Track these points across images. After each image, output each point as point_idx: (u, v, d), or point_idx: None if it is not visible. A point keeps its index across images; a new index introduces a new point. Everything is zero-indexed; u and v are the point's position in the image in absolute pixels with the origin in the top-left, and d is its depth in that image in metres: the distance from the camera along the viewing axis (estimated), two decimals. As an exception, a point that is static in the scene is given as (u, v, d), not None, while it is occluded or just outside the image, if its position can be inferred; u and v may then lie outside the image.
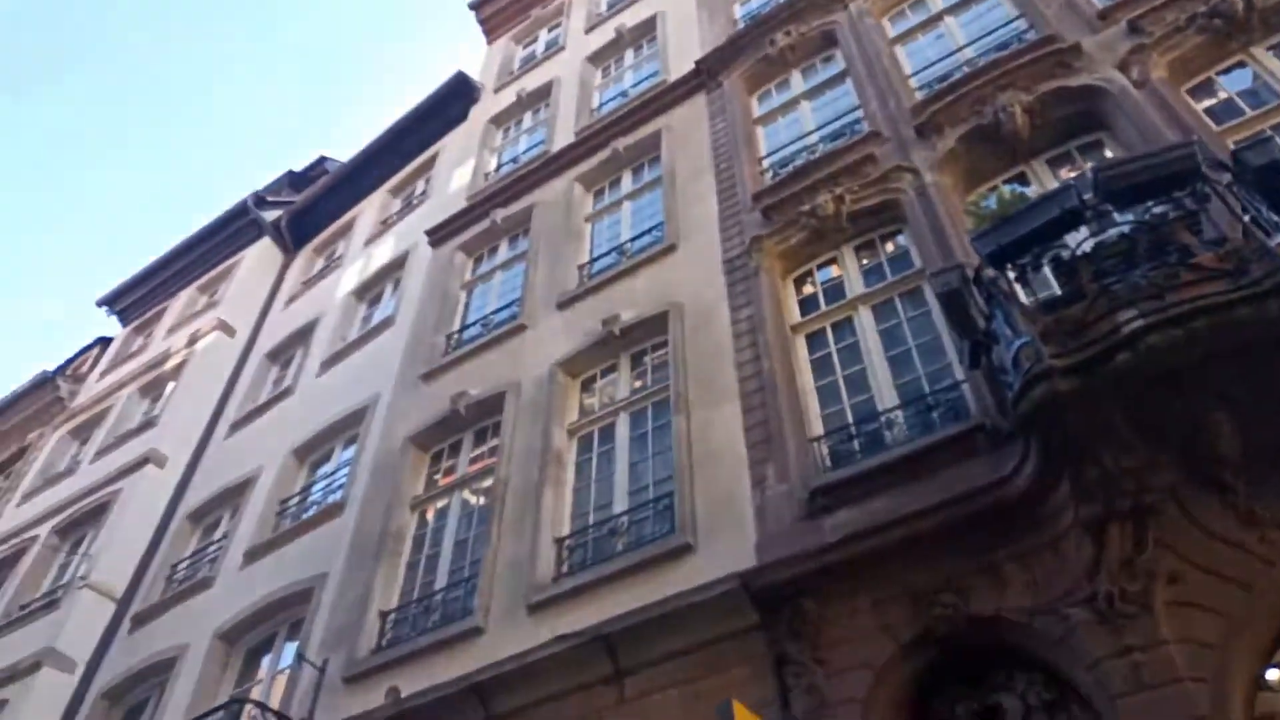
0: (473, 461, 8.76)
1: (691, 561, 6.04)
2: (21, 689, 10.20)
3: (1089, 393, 4.37)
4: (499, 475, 7.93)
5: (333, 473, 10.83)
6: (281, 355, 14.10)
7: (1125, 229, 4.84)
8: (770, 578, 5.30)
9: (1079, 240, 4.81)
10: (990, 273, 4.86)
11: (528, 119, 13.86)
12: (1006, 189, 6.66)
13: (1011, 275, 4.75)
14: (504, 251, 11.36)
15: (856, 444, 6.02)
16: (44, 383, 16.86)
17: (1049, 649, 4.62)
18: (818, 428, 6.30)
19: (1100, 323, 4.40)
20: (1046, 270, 4.92)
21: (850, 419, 6.24)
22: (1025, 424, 4.61)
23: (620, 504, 7.09)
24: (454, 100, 15.17)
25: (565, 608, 6.41)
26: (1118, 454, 4.48)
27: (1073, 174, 6.53)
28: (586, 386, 8.50)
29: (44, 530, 12.88)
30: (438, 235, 12.07)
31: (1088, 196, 4.83)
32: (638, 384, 8.07)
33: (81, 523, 12.72)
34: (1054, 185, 6.19)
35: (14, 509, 14.19)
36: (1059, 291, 4.82)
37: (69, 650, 10.51)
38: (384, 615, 7.74)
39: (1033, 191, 6.50)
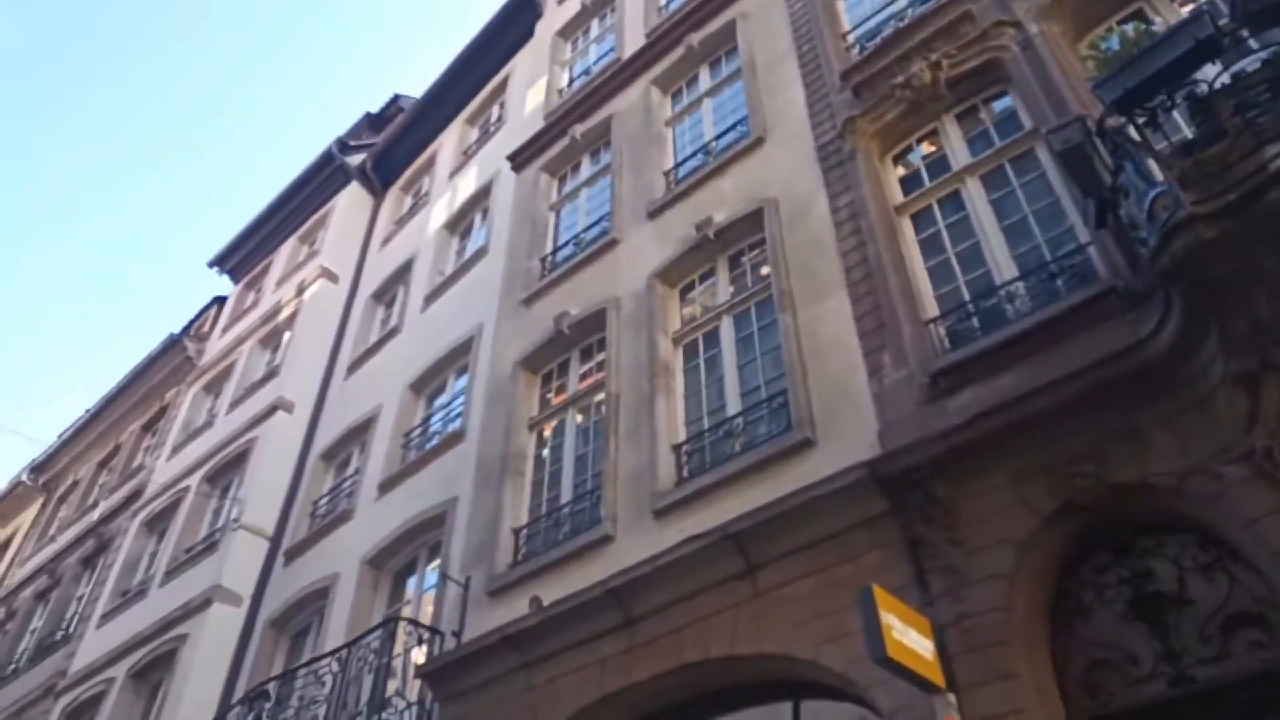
0: (582, 379, 8.90)
1: (813, 456, 6.02)
2: (198, 623, 11.16)
3: (1236, 238, 4.05)
4: (609, 390, 8.04)
5: (449, 403, 11.22)
6: (384, 295, 14.54)
7: (1266, 55, 4.39)
8: (897, 464, 5.23)
9: (1214, 75, 4.39)
10: (1116, 121, 4.50)
11: (595, 27, 13.49)
12: (1127, 27, 6.10)
13: (1140, 121, 4.38)
14: (587, 167, 11.25)
15: (975, 321, 5.80)
16: (172, 345, 17.89)
17: (1201, 510, 4.43)
18: (932, 309, 6.09)
19: (1245, 161, 4.05)
20: (1176, 114, 4.53)
21: (966, 296, 6.00)
22: (1165, 279, 4.33)
23: (733, 406, 7.09)
24: (518, 18, 14.89)
25: (690, 510, 6.52)
26: (1270, 301, 4.17)
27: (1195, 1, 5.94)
28: (685, 294, 8.44)
29: (195, 480, 13.87)
30: (519, 159, 12.02)
31: (1223, 22, 4.38)
32: (737, 286, 7.96)
33: (226, 470, 13.63)
34: (1178, 18, 5.64)
35: (165, 463, 15.31)
36: (1194, 134, 4.43)
37: (233, 586, 11.40)
38: (516, 532, 8.06)
39: (1157, 26, 5.93)
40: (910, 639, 4.37)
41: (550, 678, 6.64)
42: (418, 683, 7.87)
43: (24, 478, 19.95)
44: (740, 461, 6.45)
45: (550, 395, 9.18)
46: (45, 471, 19.94)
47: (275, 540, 11.93)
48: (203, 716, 10.02)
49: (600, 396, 8.25)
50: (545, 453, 8.65)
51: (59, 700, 12.82)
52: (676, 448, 7.17)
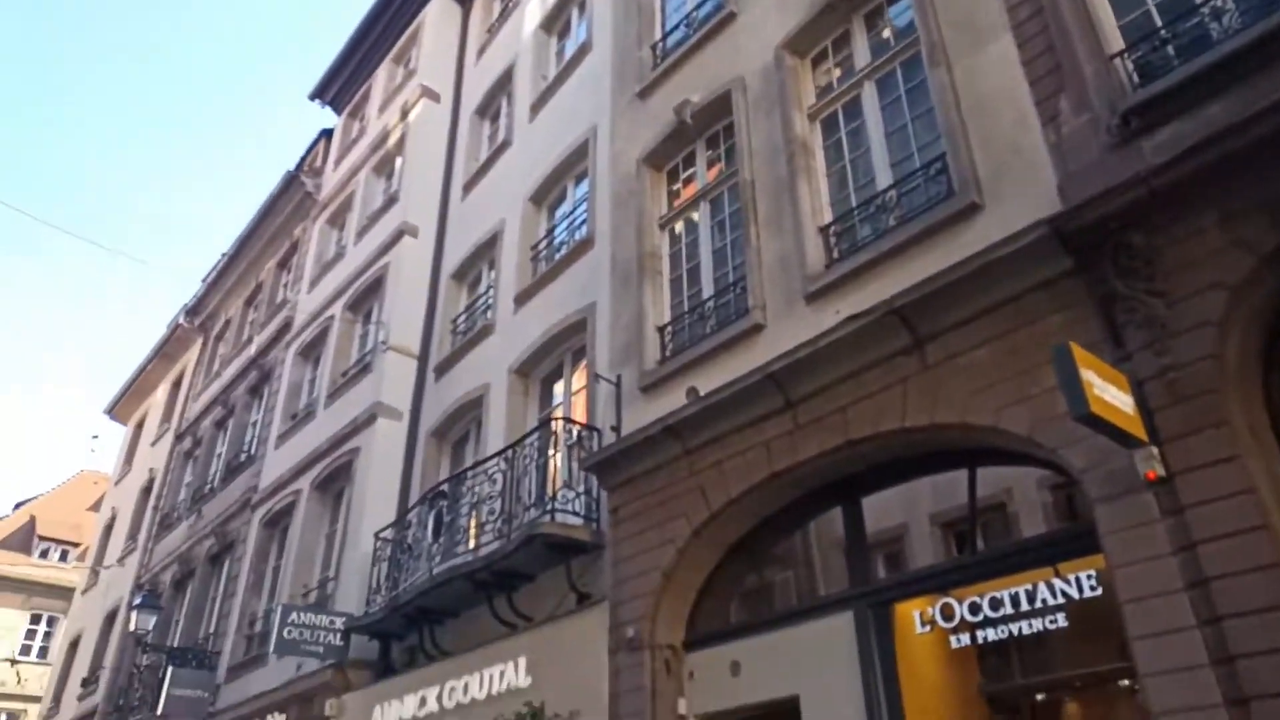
0: (711, 169, 8.57)
1: (980, 221, 5.66)
2: (366, 437, 12.04)
3: None
4: (743, 177, 7.71)
5: (572, 211, 11.13)
6: (488, 109, 14.22)
7: None
8: (1085, 217, 4.83)
9: None
10: None
11: None
12: None
13: None
14: (690, -63, 10.29)
15: (1171, 49, 5.11)
16: (290, 182, 18.28)
17: None
18: (1116, 41, 5.40)
19: None
20: None
21: (1158, 21, 5.28)
22: None
23: (883, 179, 6.69)
24: None
25: (845, 291, 6.34)
26: None
27: None
28: (819, 63, 7.83)
29: (337, 308, 14.53)
30: (615, -61, 11.10)
31: None
32: (877, 46, 7.30)
33: (365, 297, 14.19)
34: None
35: (306, 296, 16.06)
36: None
37: (392, 402, 12.15)
38: (661, 330, 8.12)
39: None
40: (1110, 395, 4.19)
41: (715, 461, 6.86)
42: (583, 474, 8.31)
43: (180, 320, 21.44)
44: (897, 236, 6.14)
45: (679, 189, 8.92)
46: (198, 314, 21.35)
47: (422, 358, 12.53)
48: (383, 517, 11.01)
49: (734, 184, 7.95)
50: (680, 249, 8.52)
51: (255, 511, 14.34)
52: (823, 229, 6.90)
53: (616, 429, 7.93)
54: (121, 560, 20.13)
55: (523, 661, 7.84)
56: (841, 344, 6.02)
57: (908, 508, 6.28)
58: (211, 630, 14.29)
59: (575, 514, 8.12)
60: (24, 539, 34.74)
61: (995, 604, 5.24)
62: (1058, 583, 4.99)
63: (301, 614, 10.13)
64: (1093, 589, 4.83)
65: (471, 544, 9.21)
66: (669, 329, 8.10)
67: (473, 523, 9.38)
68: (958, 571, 5.56)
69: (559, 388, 10.20)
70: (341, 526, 12.10)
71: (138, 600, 13.86)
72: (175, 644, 14.54)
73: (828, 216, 6.99)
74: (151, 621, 13.51)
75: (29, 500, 37.85)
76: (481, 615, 8.82)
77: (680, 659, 6.91)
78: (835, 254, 6.73)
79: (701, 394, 6.99)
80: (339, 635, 10.22)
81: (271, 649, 10.07)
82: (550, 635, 7.80)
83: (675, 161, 9.00)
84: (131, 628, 13.72)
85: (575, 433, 8.65)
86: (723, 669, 6.58)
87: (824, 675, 5.86)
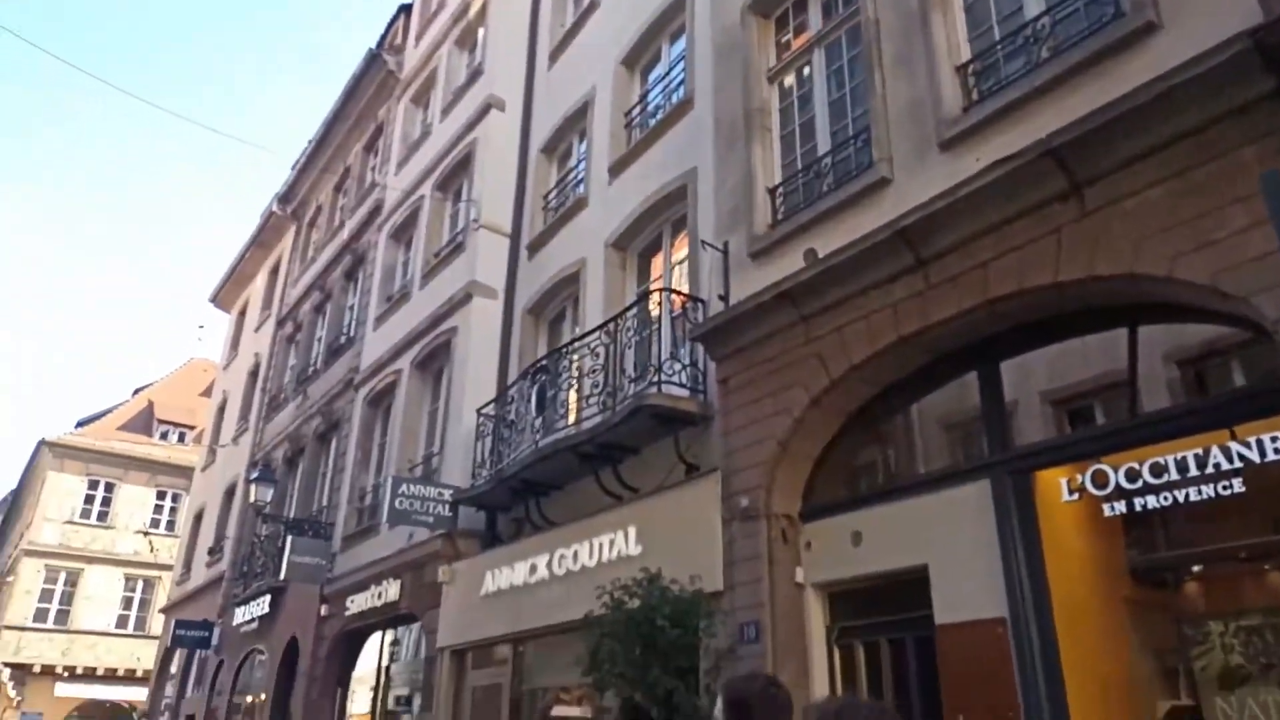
0: (826, 14, 7.83)
1: (1156, 43, 4.93)
2: (462, 316, 12.03)
3: None
4: (866, 16, 6.99)
5: (667, 73, 10.51)
6: (574, -31, 13.43)
7: None
8: (1299, 25, 4.12)
9: None
10: None
11: None
12: None
13: None
14: None
15: None
16: (372, 62, 17.91)
17: None
18: None
19: None
20: None
21: None
22: None
23: (1033, 6, 5.93)
24: None
25: (986, 136, 5.72)
26: None
27: None
28: (953, -120, 6.92)
29: (427, 188, 14.37)
30: None
31: None
32: None
33: (454, 175, 13.96)
34: None
35: (395, 178, 15.93)
36: None
37: (486, 280, 12.04)
38: (771, 191, 7.64)
39: None
40: (1327, 229, 3.61)
41: (834, 327, 6.49)
42: (688, 346, 8.06)
43: (274, 208, 21.74)
44: (1051, 69, 5.44)
45: (788, 39, 8.22)
46: (290, 201, 21.58)
47: (515, 236, 12.32)
48: (483, 394, 11.07)
49: (854, 25, 7.25)
50: (792, 104, 7.91)
51: (358, 391, 14.69)
52: (961, 68, 6.22)
53: (724, 298, 7.59)
54: (235, 440, 21.19)
55: (632, 531, 7.83)
56: (983, 193, 5.47)
57: (1016, 385, 5.86)
58: (324, 503, 14.95)
59: (681, 386, 7.91)
60: (144, 422, 37.05)
61: (1157, 470, 4.82)
62: (1235, 446, 4.53)
63: (411, 485, 10.38)
64: (1278, 452, 4.37)
65: (573, 418, 9.17)
66: (780, 190, 7.60)
67: (573, 396, 9.31)
68: (1113, 437, 5.14)
69: (658, 260, 9.86)
70: (443, 404, 12.27)
71: (254, 475, 14.54)
72: (291, 516, 15.28)
73: (966, 54, 6.29)
74: (269, 494, 14.19)
75: (146, 387, 40.18)
76: (586, 487, 8.83)
77: (797, 528, 6.75)
78: (975, 95, 6.07)
79: (820, 256, 6.56)
80: (447, 506, 10.47)
81: (384, 519, 10.39)
82: (660, 505, 7.74)
83: (785, 6, 8.27)
84: (251, 499, 14.46)
85: (679, 304, 8.36)
86: (842, 539, 6.40)
87: (956, 545, 5.60)
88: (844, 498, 6.70)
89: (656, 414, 7.67)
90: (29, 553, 32.60)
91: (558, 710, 8.68)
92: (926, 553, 5.76)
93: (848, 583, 6.40)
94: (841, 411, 6.69)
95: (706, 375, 7.89)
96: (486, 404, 10.78)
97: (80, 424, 35.78)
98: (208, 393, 40.01)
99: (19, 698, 30.99)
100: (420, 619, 10.88)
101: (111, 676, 31.76)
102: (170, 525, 33.38)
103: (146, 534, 32.37)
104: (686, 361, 8.05)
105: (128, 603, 33.11)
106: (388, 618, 11.81)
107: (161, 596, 31.98)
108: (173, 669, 20.93)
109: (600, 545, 8.13)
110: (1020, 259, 5.35)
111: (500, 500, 10.14)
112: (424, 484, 10.55)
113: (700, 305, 8.09)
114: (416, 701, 11.62)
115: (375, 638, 12.62)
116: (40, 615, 31.82)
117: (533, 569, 8.98)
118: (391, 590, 11.43)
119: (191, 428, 37.67)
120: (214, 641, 17.54)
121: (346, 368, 15.53)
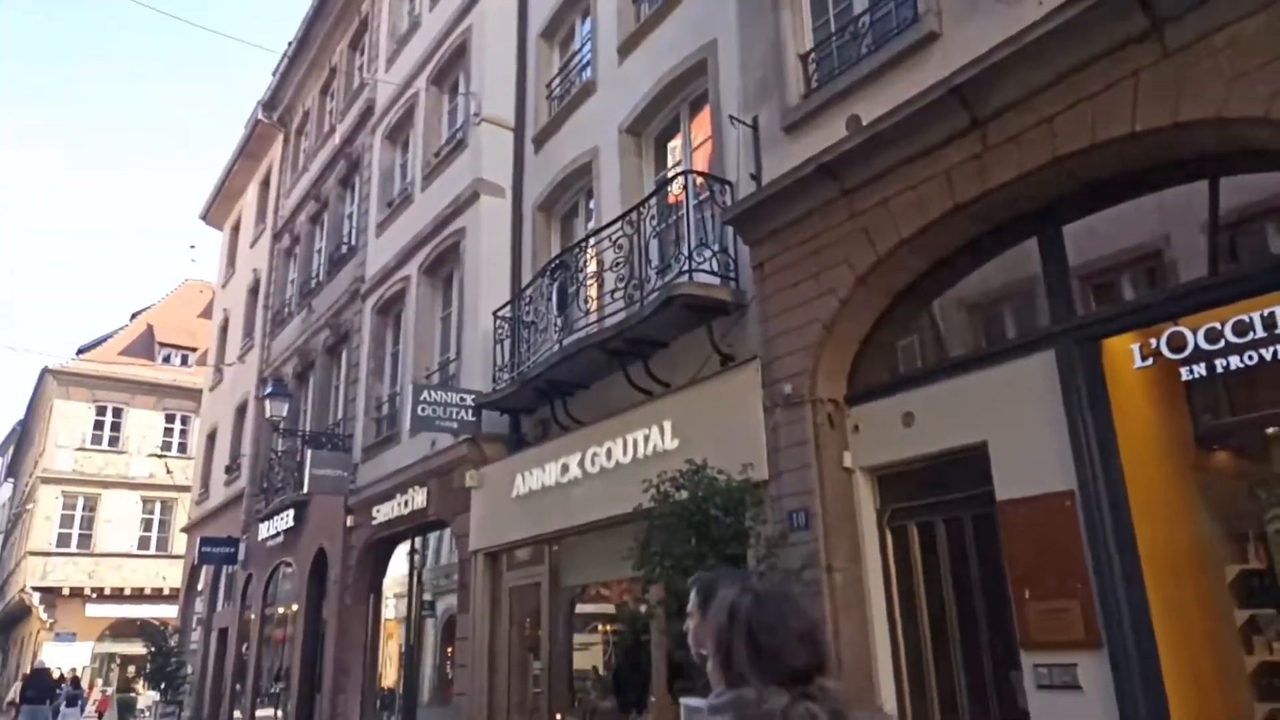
0: None
1: None
2: (470, 216, 11.57)
3: None
4: None
5: (676, -62, 9.74)
6: None
7: None
8: None
9: None
10: None
11: None
12: None
13: None
14: None
15: None
16: (350, -49, 16.81)
17: None
18: None
19: None
20: None
21: None
22: None
23: None
24: None
25: (1049, -22, 5.23)
26: None
27: None
28: None
29: (421, 83, 13.66)
30: None
31: None
32: None
33: (449, 68, 13.24)
34: None
35: (385, 75, 15.15)
36: None
37: (493, 177, 11.52)
38: (803, 57, 7.13)
39: None
40: None
41: (880, 199, 6.12)
42: (718, 232, 7.69)
43: (259, 116, 20.86)
44: (1125, -105, 4.92)
45: (814, -112, 7.54)
46: (275, 108, 20.68)
47: (519, 129, 11.74)
48: (497, 295, 10.73)
49: None
50: (821, -39, 7.31)
51: (366, 301, 14.35)
52: (1018, -97, 5.65)
53: (756, 177, 7.19)
54: (241, 358, 20.95)
55: (668, 425, 7.63)
56: (1050, 39, 5.01)
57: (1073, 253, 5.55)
58: (340, 416, 14.81)
59: (712, 273, 7.58)
60: (145, 346, 36.77)
61: (1241, 329, 4.55)
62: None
63: (432, 393, 10.17)
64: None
65: (596, 314, 8.87)
66: (813, 56, 7.10)
67: (594, 292, 8.99)
68: (1190, 297, 4.86)
69: (676, 144, 9.37)
70: (455, 309, 11.95)
71: (267, 390, 14.34)
72: (308, 430, 15.17)
73: (1021, -113, 5.71)
74: (284, 408, 14.01)
75: (143, 310, 39.73)
76: (614, 384, 8.62)
77: (843, 412, 6.54)
78: (1034, -67, 5.53)
79: (864, 123, 6.12)
80: (469, 411, 10.29)
81: (406, 426, 10.22)
82: (696, 398, 7.52)
83: None
84: (267, 415, 14.30)
85: (705, 187, 7.94)
86: (892, 420, 6.19)
87: (1019, 419, 5.38)
88: (893, 379, 6.47)
89: (689, 304, 7.37)
90: (45, 480, 32.84)
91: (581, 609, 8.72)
92: (986, 429, 5.56)
93: (899, 464, 6.23)
94: (889, 289, 6.39)
95: (738, 261, 7.55)
96: (503, 306, 10.46)
97: (81, 351, 35.50)
98: (206, 314, 39.56)
99: (51, 620, 31.77)
100: (450, 524, 10.85)
101: (139, 596, 32.47)
102: (182, 448, 33.51)
103: (162, 457, 32.56)
104: (716, 248, 7.69)
105: (147, 524, 33.57)
106: (416, 525, 11.80)
107: (180, 517, 32.36)
108: (200, 585, 21.28)
109: (634, 441, 7.95)
110: (1093, 109, 4.95)
111: (524, 402, 9.94)
112: (445, 390, 10.33)
113: (728, 188, 7.69)
114: (439, 606, 11.74)
115: (404, 546, 12.66)
116: (63, 540, 32.30)
117: (564, 469, 8.84)
118: (418, 498, 11.37)
119: (193, 349, 37.40)
120: (240, 557, 17.72)
121: (351, 278, 15.13)
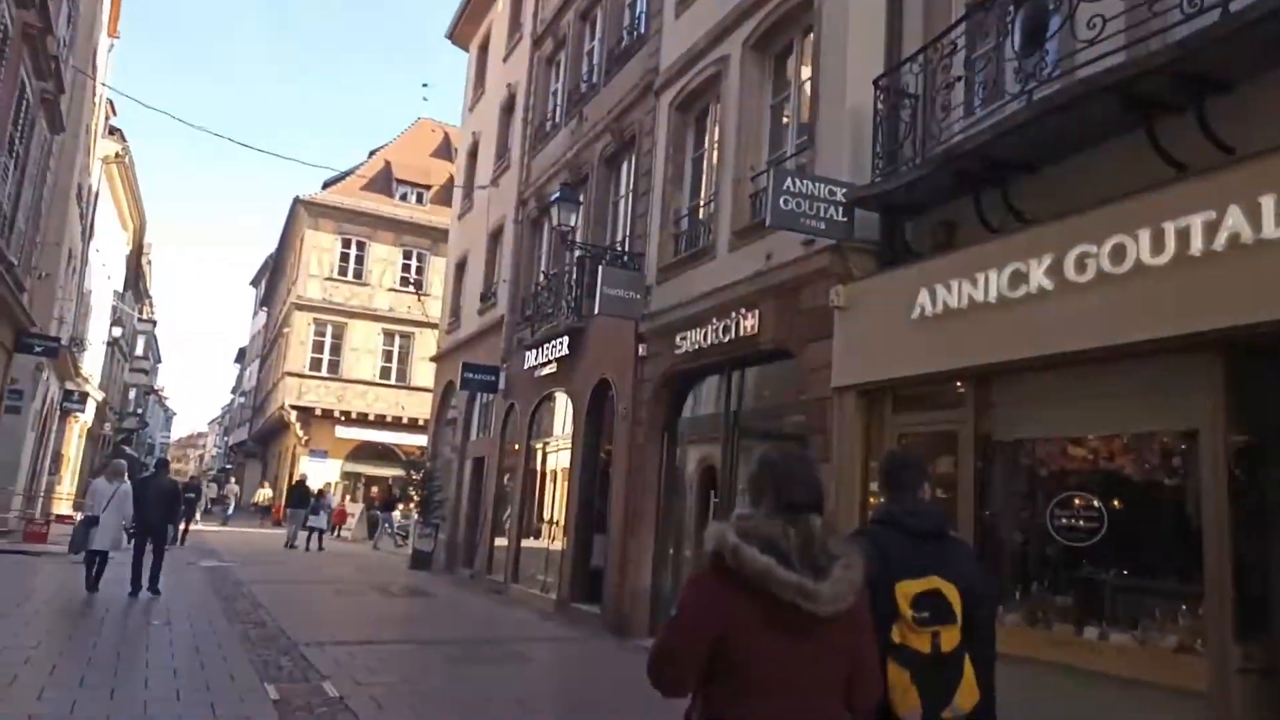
0: None
1: None
2: None
3: None
4: None
5: None
6: None
7: None
8: None
9: None
10: None
11: None
12: None
13: None
14: None
15: None
16: None
17: None
18: None
19: None
20: None
21: None
22: None
23: None
24: None
25: None
26: None
27: None
28: None
29: None
30: None
31: None
32: None
33: None
34: None
35: None
36: None
37: None
38: None
39: None
40: None
41: None
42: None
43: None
44: None
45: None
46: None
47: None
48: (871, 64, 8.09)
49: None
50: None
51: (661, 96, 12.10)
52: None
53: None
54: (495, 181, 19.62)
55: (1269, 201, 4.84)
56: None
57: None
58: (625, 233, 12.93)
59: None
60: (384, 183, 37.15)
61: None
62: None
63: (798, 181, 7.83)
64: None
65: (1089, 49, 6.05)
66: None
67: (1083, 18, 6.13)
68: None
69: None
70: (794, 91, 9.43)
71: (554, 196, 12.60)
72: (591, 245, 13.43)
73: None
74: (572, 217, 12.26)
75: (381, 148, 40.11)
76: (1099, 159, 5.92)
77: None
78: None
79: None
80: (840, 209, 7.91)
81: (767, 220, 7.97)
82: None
83: None
84: (554, 223, 12.63)
85: None
86: None
87: None
88: None
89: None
90: (298, 306, 34.41)
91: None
92: None
93: None
94: None
95: None
96: (886, 72, 7.81)
97: (327, 184, 36.31)
98: (438, 153, 39.38)
99: (306, 437, 33.91)
100: (795, 354, 8.71)
101: (381, 422, 33.96)
102: (418, 285, 33.92)
103: (414, 291, 33.08)
104: None
105: (388, 355, 34.73)
106: (735, 356, 9.80)
107: (420, 349, 33.02)
108: (451, 414, 20.97)
109: (1183, 231, 5.23)
110: None
111: (923, 196, 7.40)
112: (813, 179, 7.95)
113: None
114: (752, 454, 9.79)
115: (712, 381, 10.77)
116: (314, 365, 34.01)
117: (1015, 279, 6.30)
118: (747, 322, 9.29)
119: (428, 187, 37.46)
120: (500, 385, 16.80)
121: (639, 72, 12.87)
